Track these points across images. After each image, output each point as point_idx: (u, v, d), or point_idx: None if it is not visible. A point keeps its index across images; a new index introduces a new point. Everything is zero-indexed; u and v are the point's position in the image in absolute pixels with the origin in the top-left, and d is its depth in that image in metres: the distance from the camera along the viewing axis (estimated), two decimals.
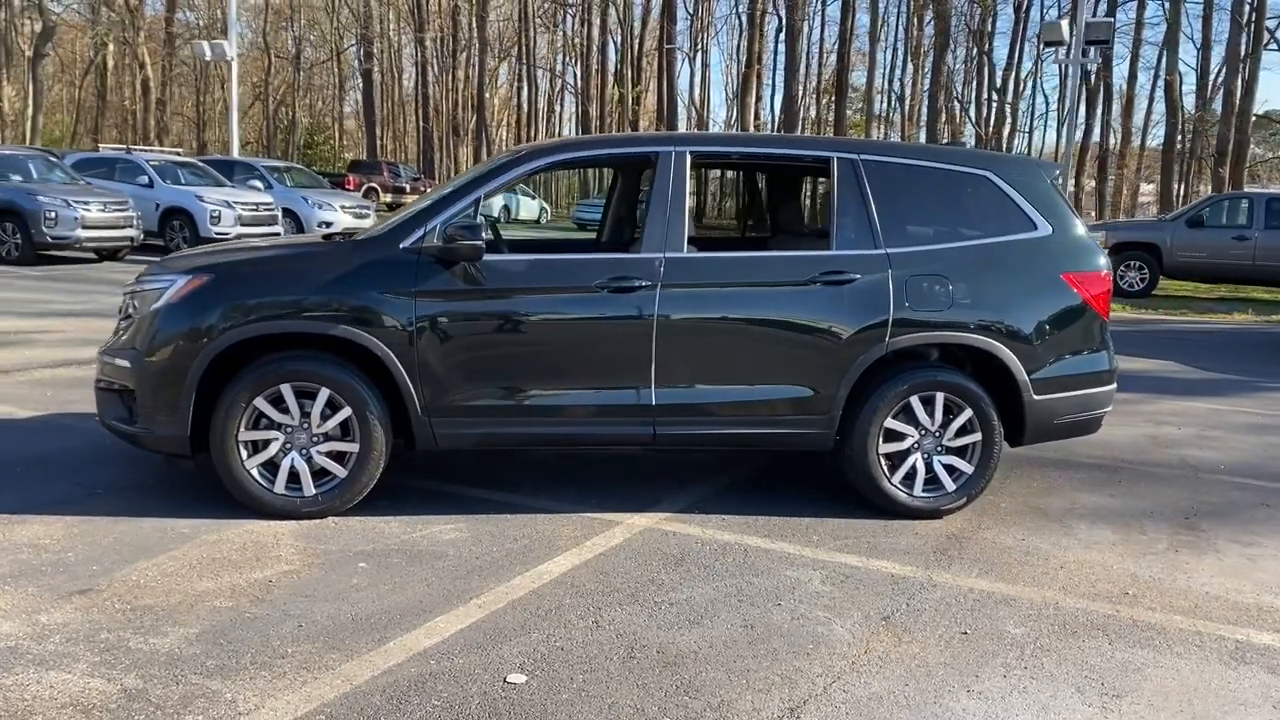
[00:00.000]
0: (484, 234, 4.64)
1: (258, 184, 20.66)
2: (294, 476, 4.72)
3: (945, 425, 5.10)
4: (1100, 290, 5.26)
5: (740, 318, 4.89)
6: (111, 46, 48.25)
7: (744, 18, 49.38)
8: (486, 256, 4.77)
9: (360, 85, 56.41)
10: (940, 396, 5.05)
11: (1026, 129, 44.86)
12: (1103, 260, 5.32)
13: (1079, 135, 37.16)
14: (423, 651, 3.45)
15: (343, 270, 4.70)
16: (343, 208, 20.80)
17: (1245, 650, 3.77)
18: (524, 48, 54.22)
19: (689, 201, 5.00)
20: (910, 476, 5.11)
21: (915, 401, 5.05)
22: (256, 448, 4.71)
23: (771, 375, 4.94)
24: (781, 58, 46.84)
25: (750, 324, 4.90)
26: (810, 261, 5.04)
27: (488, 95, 53.13)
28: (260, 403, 4.65)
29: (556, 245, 6.96)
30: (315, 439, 4.73)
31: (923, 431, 5.09)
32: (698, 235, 5.69)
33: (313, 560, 4.24)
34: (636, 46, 52.28)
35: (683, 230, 4.92)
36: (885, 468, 5.09)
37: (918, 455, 5.10)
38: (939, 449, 5.12)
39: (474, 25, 50.90)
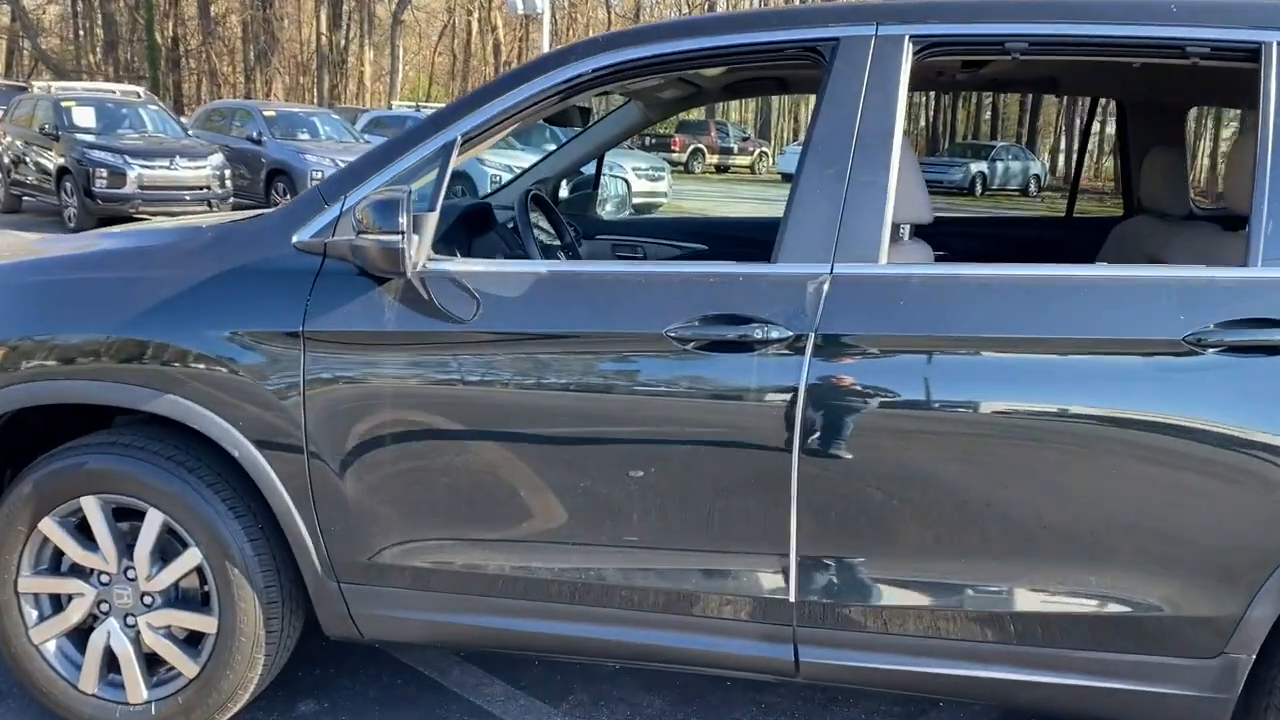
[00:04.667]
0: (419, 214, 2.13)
1: (551, 145, 19.28)
2: (117, 663, 2.55)
3: None
4: None
5: (999, 423, 2.09)
6: (475, 12, 49.97)
7: None
8: (453, 265, 2.30)
9: None
10: None
11: None
12: None
13: None
14: None
15: (186, 283, 2.40)
16: (634, 170, 18.85)
17: None
18: None
19: (902, 149, 2.22)
20: None
21: None
22: (54, 606, 2.58)
23: (1070, 558, 2.10)
24: None
25: (1023, 439, 2.08)
26: (1190, 293, 2.09)
27: None
28: (52, 527, 2.50)
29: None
30: (147, 600, 2.51)
31: None
32: (941, 225, 2.70)
33: None
34: None
35: (881, 216, 2.17)
36: None
37: None
38: None
39: None
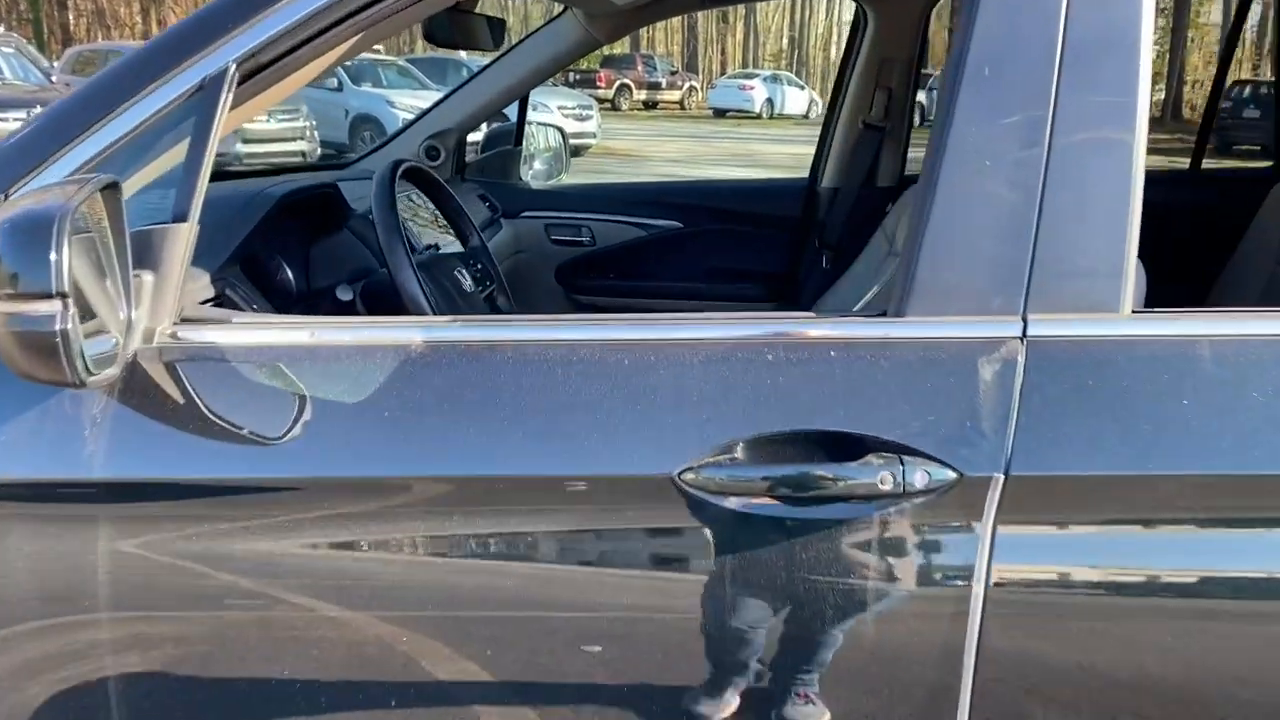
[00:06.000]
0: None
1: None
2: None
3: None
4: None
5: None
6: None
7: None
8: (226, 333, 1.11)
9: None
10: None
11: None
12: None
13: None
14: None
15: None
16: (560, 109, 17.36)
17: None
18: None
19: (1148, 84, 1.08)
20: None
21: None
22: None
23: None
24: None
25: None
26: None
27: None
28: None
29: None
30: None
31: None
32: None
33: None
34: None
35: (1124, 214, 1.03)
36: None
37: None
38: None
39: None
